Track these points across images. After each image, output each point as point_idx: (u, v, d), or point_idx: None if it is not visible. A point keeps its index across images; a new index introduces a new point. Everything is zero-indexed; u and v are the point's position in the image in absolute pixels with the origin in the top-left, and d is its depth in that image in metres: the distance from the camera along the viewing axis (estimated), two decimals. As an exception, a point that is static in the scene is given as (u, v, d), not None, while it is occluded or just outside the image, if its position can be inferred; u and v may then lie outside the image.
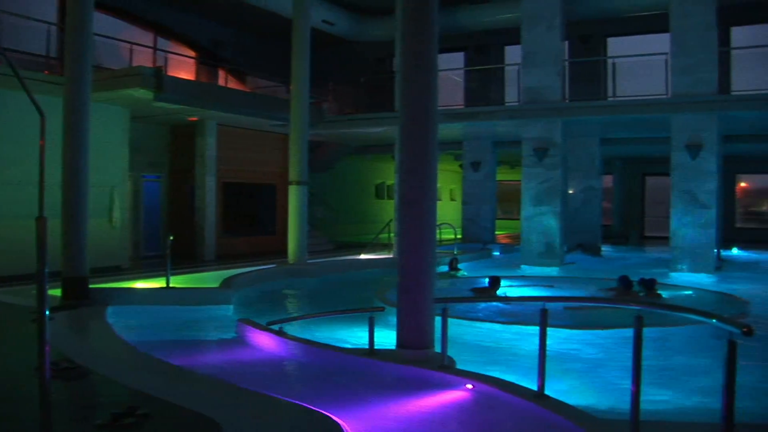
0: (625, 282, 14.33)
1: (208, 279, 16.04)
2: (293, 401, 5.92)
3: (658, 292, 14.42)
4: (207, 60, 25.62)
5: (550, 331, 6.51)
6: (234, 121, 21.72)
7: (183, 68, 24.03)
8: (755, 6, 23.46)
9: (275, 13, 23.61)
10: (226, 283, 14.12)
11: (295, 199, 18.34)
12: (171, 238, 14.69)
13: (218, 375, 7.20)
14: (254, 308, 12.86)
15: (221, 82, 25.39)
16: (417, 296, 7.96)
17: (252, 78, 26.73)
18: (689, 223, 19.33)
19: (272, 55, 25.60)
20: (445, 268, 18.83)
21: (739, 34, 24.63)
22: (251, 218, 24.82)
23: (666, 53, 20.11)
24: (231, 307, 12.78)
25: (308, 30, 18.58)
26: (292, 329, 9.83)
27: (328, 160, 28.49)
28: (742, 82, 22.08)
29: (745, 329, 4.18)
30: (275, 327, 9.56)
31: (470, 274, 18.53)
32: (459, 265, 19.25)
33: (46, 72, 17.13)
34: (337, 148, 28.71)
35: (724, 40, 23.41)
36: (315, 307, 13.85)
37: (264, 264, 18.51)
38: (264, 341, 9.25)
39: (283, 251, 18.90)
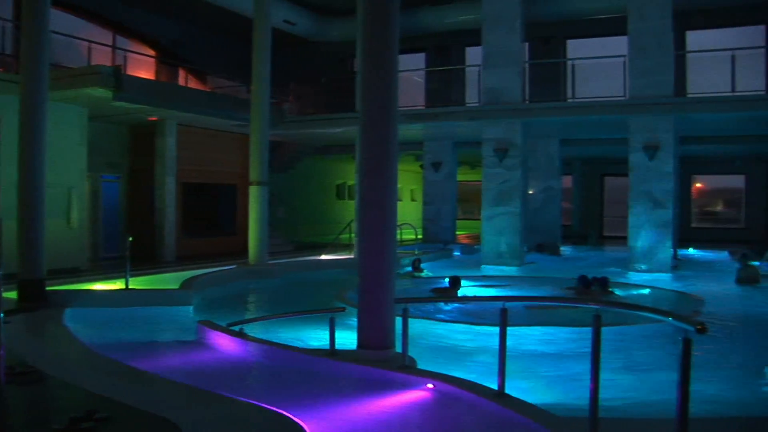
0: (584, 281, 14.51)
1: (169, 280, 15.91)
2: (254, 402, 5.90)
3: (611, 290, 14.64)
4: (167, 59, 25.42)
5: (510, 330, 6.57)
6: (194, 120, 21.55)
7: (143, 67, 23.82)
8: (709, 11, 23.94)
9: (236, 12, 23.49)
10: (187, 284, 14.03)
11: (255, 199, 18.26)
12: (130, 239, 14.53)
13: (178, 377, 7.14)
14: (215, 309, 12.77)
15: (181, 81, 25.20)
16: (377, 297, 7.98)
17: (212, 78, 26.55)
18: (647, 223, 19.60)
19: (233, 54, 25.48)
20: (409, 269, 19.16)
21: (694, 38, 25.05)
22: (212, 219, 24.65)
23: (624, 56, 20.38)
24: (191, 308, 12.69)
25: (269, 30, 18.50)
26: (253, 330, 9.79)
27: (289, 161, 28.39)
28: (697, 84, 22.45)
29: (699, 327, 4.26)
30: (236, 328, 9.51)
31: (431, 274, 18.61)
32: (422, 266, 19.38)
33: (2, 70, 16.86)
34: (298, 148, 28.64)
35: (680, 44, 23.80)
36: (276, 308, 13.78)
37: (225, 265, 18.42)
38: (224, 343, 9.20)
39: (243, 252, 18.82)
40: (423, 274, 18.64)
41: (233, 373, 8.04)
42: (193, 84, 25.31)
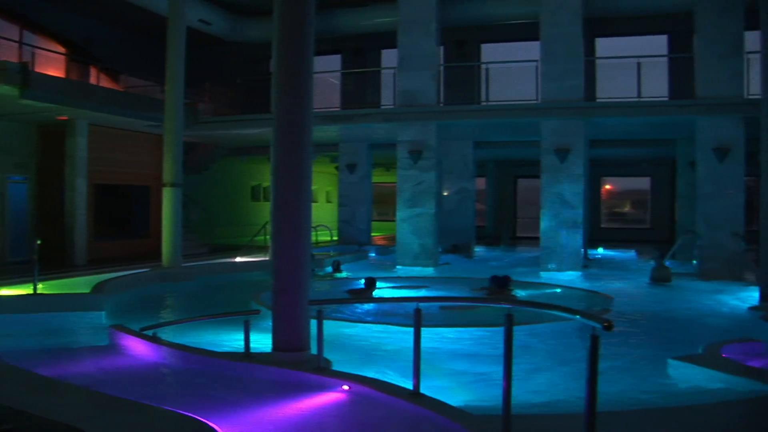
0: (496, 281, 14.74)
1: (79, 284, 15.49)
2: (167, 408, 5.82)
3: (510, 288, 14.99)
4: (78, 57, 24.76)
5: (425, 330, 6.64)
6: (106, 120, 21.09)
7: (52, 65, 23.12)
8: (617, 19, 24.68)
9: (150, 10, 23.06)
10: (98, 288, 13.71)
11: (169, 201, 17.96)
12: (39, 242, 14.14)
13: (89, 384, 6.98)
14: (127, 314, 12.52)
15: (93, 80, 24.56)
16: (292, 298, 7.97)
17: (125, 77, 25.98)
18: (558, 224, 20.05)
19: (147, 53, 24.99)
20: (329, 269, 19.41)
21: (603, 45, 25.79)
22: (124, 221, 24.17)
23: (536, 60, 20.80)
24: (103, 313, 12.41)
25: (184, 29, 18.22)
26: (167, 334, 9.64)
27: (203, 162, 28.04)
28: (606, 90, 23.11)
29: (605, 324, 4.38)
30: (149, 333, 9.35)
31: (350, 275, 18.70)
32: (341, 267, 19.53)
33: None
34: (212, 149, 28.31)
35: (590, 50, 24.46)
36: (190, 311, 13.63)
37: (138, 268, 18.06)
38: (137, 347, 9.04)
39: (157, 254, 18.49)
40: (343, 275, 18.78)
41: (147, 378, 7.92)
42: (106, 83, 24.71)
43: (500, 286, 14.71)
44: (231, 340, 9.93)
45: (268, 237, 22.49)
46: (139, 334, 9.34)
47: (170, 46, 17.89)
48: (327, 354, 7.60)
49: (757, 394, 6.77)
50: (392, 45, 22.55)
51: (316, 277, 18.38)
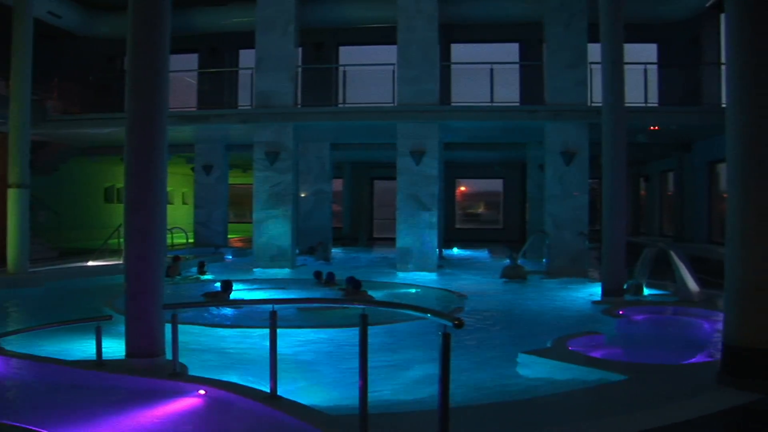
0: (353, 282, 14.86)
1: None
2: (11, 423, 5.57)
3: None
4: None
5: (281, 332, 6.65)
6: (-59, 117, 19.91)
7: None
8: (472, 26, 25.47)
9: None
10: (-67, 297, 12.95)
11: (14, 203, 17.15)
12: None
13: None
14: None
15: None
16: (145, 303, 7.80)
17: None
18: (414, 225, 20.43)
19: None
20: (194, 270, 19.28)
21: (458, 51, 26.50)
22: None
23: (393, 64, 21.13)
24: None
25: (31, 21, 17.38)
26: (13, 344, 9.21)
27: (52, 162, 26.92)
28: (460, 94, 23.77)
29: (456, 322, 4.52)
30: (-8, 342, 8.91)
31: (211, 277, 18.48)
32: (206, 268, 19.28)
33: None
34: (62, 149, 27.20)
35: (446, 56, 25.09)
36: (38, 318, 13.02)
37: (-22, 274, 17.18)
38: (-21, 359, 8.60)
39: (1, 260, 17.63)
40: (208, 277, 18.53)
41: (-11, 391, 7.55)
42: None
43: (356, 286, 14.85)
44: (82, 348, 9.60)
45: (121, 240, 21.84)
46: (-19, 344, 8.89)
47: (16, 38, 17.07)
48: (183, 359, 7.48)
49: (599, 382, 7.17)
50: (250, 45, 22.38)
51: (182, 279, 18.11)
